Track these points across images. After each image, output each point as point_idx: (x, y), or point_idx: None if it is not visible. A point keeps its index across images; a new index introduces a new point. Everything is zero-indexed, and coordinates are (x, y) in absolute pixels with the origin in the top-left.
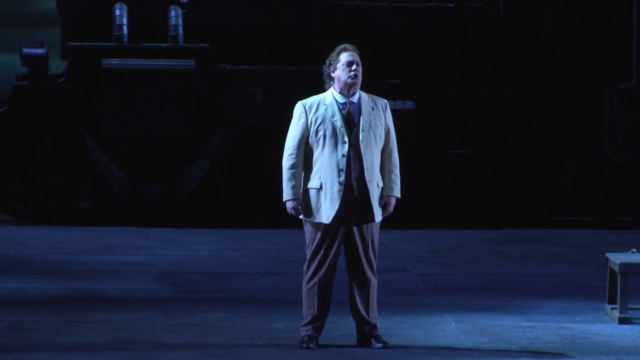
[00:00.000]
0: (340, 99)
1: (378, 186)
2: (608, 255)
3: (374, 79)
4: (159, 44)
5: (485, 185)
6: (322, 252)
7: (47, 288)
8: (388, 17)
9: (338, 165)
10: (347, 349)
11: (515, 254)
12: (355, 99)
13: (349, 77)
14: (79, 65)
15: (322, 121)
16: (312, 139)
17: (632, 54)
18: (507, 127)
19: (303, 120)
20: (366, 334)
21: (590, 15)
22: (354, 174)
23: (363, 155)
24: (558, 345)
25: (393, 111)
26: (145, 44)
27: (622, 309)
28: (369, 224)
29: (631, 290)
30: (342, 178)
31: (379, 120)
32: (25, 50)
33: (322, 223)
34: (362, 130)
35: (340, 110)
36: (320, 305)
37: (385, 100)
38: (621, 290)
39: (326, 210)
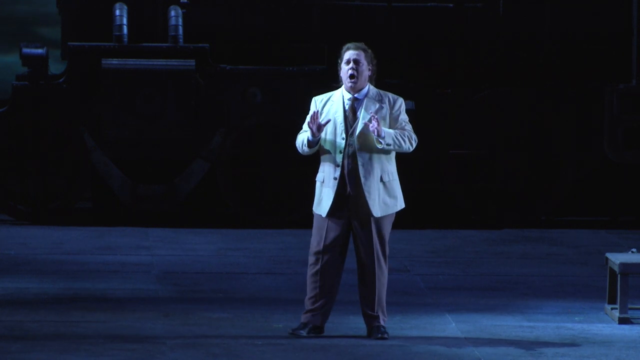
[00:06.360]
0: (347, 96)
1: (382, 181)
2: (608, 255)
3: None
4: (159, 44)
5: (485, 185)
6: (324, 242)
7: (47, 288)
8: (388, 17)
9: (335, 161)
10: (347, 348)
11: (515, 254)
12: (361, 95)
13: (345, 76)
14: (79, 65)
15: (327, 116)
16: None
17: (632, 54)
18: (507, 127)
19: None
20: (368, 326)
21: (590, 15)
22: (349, 170)
23: (358, 152)
24: (558, 345)
25: None
26: (145, 44)
27: (622, 309)
28: (372, 219)
29: (631, 290)
30: (337, 173)
31: (380, 116)
32: (25, 50)
33: (322, 215)
34: (360, 127)
35: (344, 106)
36: (323, 287)
37: (397, 97)
38: (621, 290)
39: (325, 203)
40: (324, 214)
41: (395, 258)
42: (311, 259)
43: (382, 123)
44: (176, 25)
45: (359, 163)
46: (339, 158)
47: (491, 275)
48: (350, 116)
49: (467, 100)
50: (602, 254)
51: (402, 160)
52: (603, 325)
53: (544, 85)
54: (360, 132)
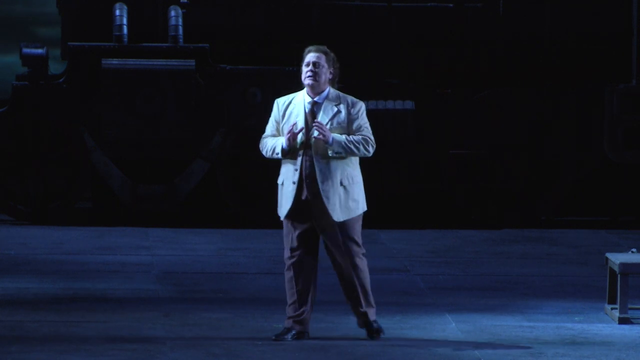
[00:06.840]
0: (308, 99)
1: (342, 185)
2: (608, 255)
3: (374, 79)
4: (159, 44)
5: (485, 185)
6: (290, 244)
7: (47, 288)
8: (388, 17)
9: (294, 165)
10: (347, 348)
11: (515, 254)
12: (320, 98)
13: (304, 78)
14: (79, 65)
15: (288, 120)
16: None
17: (632, 54)
18: (507, 127)
19: (275, 116)
20: (359, 322)
21: (590, 15)
22: (307, 174)
23: (315, 156)
24: (558, 345)
25: (393, 111)
26: (145, 44)
27: (622, 309)
28: (335, 223)
29: (631, 290)
30: (296, 177)
31: (338, 121)
32: (25, 50)
33: (282, 219)
34: (316, 131)
35: (304, 110)
36: (300, 293)
37: (357, 100)
38: (621, 290)
39: (285, 207)
40: (282, 217)
41: (395, 258)
42: (286, 262)
43: (339, 129)
44: (176, 25)
45: (317, 168)
46: (298, 162)
47: (491, 275)
48: (310, 120)
49: (467, 100)
50: (602, 254)
51: (403, 160)
52: (603, 325)
53: (544, 85)
54: (316, 137)
